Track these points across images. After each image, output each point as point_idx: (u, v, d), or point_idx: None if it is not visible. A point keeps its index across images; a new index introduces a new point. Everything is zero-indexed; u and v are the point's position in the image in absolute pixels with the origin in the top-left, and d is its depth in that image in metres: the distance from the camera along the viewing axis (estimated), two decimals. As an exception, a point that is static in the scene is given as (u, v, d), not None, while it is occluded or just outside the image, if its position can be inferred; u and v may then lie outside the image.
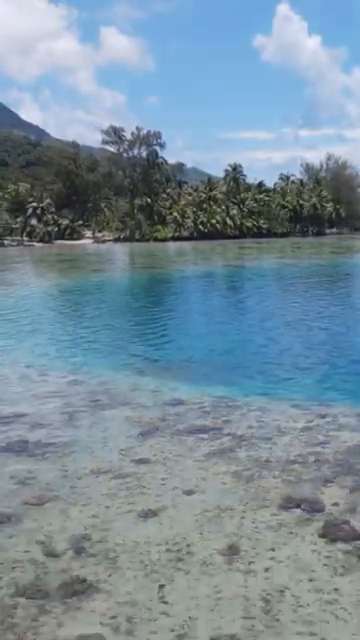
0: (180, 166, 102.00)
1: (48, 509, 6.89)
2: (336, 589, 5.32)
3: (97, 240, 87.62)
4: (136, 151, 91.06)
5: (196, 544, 6.10)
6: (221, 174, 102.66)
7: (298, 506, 6.87)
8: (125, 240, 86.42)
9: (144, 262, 54.33)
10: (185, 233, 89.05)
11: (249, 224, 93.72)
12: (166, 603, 5.17)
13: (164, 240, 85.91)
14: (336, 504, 6.91)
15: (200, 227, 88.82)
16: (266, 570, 5.63)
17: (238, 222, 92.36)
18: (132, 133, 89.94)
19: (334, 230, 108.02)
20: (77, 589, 5.39)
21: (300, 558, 5.83)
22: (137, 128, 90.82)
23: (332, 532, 6.30)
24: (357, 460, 8.14)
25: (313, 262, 50.61)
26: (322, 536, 6.24)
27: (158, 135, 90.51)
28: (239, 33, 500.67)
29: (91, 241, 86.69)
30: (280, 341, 16.73)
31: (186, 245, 76.71)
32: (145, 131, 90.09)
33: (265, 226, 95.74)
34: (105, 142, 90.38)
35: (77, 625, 4.90)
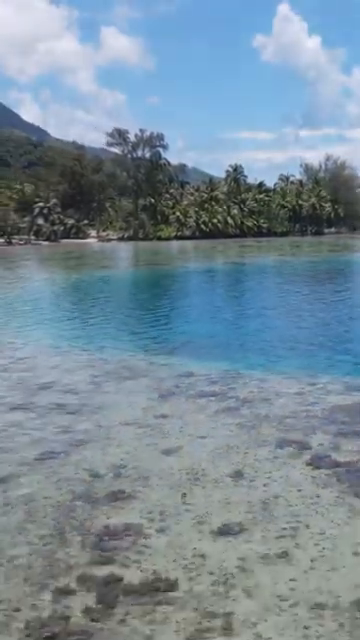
0: (182, 167, 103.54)
1: (89, 448, 8.45)
2: (318, 495, 6.88)
3: (102, 239, 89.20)
4: (140, 152, 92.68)
5: (209, 469, 7.65)
6: (221, 174, 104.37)
7: (290, 445, 8.42)
8: (129, 239, 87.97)
9: (149, 259, 55.89)
10: (187, 232, 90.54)
11: (250, 223, 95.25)
12: (188, 504, 6.73)
13: (167, 239, 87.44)
14: (321, 444, 8.45)
15: (202, 226, 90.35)
16: (264, 485, 7.19)
17: (239, 221, 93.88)
18: (136, 135, 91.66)
19: (332, 230, 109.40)
20: (119, 497, 6.95)
21: (291, 478, 7.38)
22: (141, 130, 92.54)
23: (317, 462, 7.85)
24: (340, 415, 9.68)
25: (310, 259, 52.08)
26: (309, 464, 7.79)
27: (161, 137, 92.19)
28: (239, 33, 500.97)
29: (96, 240, 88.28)
30: (277, 325, 18.41)
31: (188, 244, 78.22)
32: (148, 133, 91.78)
33: (265, 225, 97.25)
34: (110, 144, 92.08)
35: (122, 517, 6.45)
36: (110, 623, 4.77)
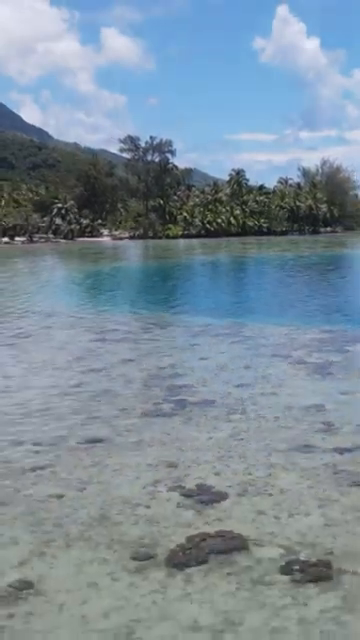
0: (189, 171, 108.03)
1: (152, 357, 12.86)
2: (295, 374, 11.29)
3: (114, 237, 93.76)
4: (150, 157, 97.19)
5: (228, 365, 12.05)
6: (222, 175, 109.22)
7: (279, 356, 12.81)
8: (139, 238, 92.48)
9: (162, 254, 60.29)
10: (193, 231, 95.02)
11: (251, 223, 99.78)
12: (219, 377, 11.13)
13: (174, 237, 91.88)
14: (299, 355, 12.82)
15: (207, 226, 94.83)
16: (262, 370, 11.58)
17: (241, 221, 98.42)
18: (146, 142, 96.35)
19: (328, 229, 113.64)
20: (176, 375, 11.33)
21: (279, 368, 11.78)
22: (151, 137, 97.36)
23: (295, 362, 12.24)
24: (312, 343, 14.06)
25: (304, 254, 56.41)
26: (290, 363, 12.17)
27: (169, 143, 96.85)
28: (239, 35, 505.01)
29: (109, 238, 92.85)
30: (272, 297, 23.05)
31: (195, 242, 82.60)
32: (158, 140, 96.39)
33: (266, 225, 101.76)
34: (122, 150, 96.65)
35: (180, 382, 10.83)
36: (183, 412, 9.16)
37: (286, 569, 5.02)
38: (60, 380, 11.04)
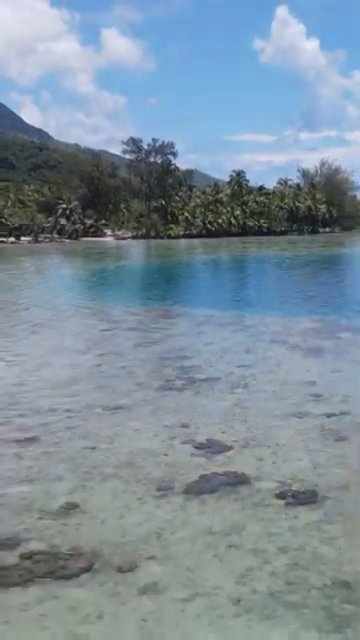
0: (190, 172, 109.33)
1: (162, 343, 14.04)
2: (291, 356, 12.48)
3: (117, 237, 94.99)
4: (152, 159, 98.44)
5: (232, 348, 13.23)
6: (222, 176, 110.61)
7: (278, 342, 14.01)
8: (141, 237, 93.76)
9: (164, 253, 61.52)
10: (194, 231, 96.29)
11: (251, 223, 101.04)
12: (224, 359, 12.32)
13: (176, 237, 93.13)
14: (295, 341, 14.00)
15: (208, 226, 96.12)
16: (262, 353, 12.76)
17: (241, 222, 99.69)
18: (148, 144, 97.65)
19: (327, 229, 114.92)
20: (184, 357, 12.50)
21: (277, 351, 12.96)
22: (153, 139, 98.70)
23: (292, 347, 13.43)
24: (306, 331, 15.25)
25: (301, 253, 57.65)
26: (287, 348, 13.37)
27: (171, 145, 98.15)
28: (238, 35, 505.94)
29: (112, 238, 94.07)
30: (269, 292, 24.28)
31: (196, 242, 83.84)
32: (160, 141, 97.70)
33: (265, 225, 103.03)
34: (125, 151, 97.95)
35: (189, 363, 11.99)
36: (193, 387, 10.32)
37: (281, 496, 6.22)
38: (80, 361, 12.25)
